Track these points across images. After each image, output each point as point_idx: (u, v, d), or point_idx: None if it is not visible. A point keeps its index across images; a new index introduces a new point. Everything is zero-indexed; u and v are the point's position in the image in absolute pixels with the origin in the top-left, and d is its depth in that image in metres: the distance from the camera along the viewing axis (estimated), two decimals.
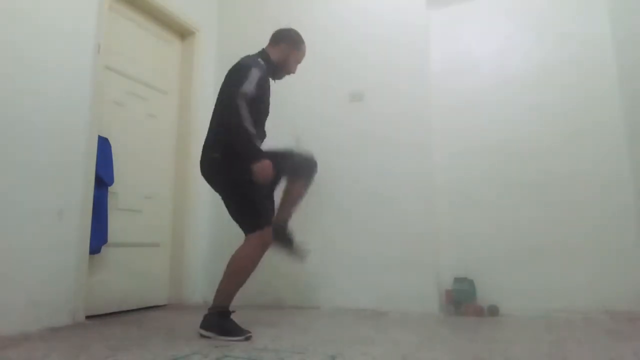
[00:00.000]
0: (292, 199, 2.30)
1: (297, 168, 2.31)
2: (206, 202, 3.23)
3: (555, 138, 2.76)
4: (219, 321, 1.88)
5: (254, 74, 2.01)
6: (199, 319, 1.94)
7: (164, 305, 2.96)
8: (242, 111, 1.91)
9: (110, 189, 2.56)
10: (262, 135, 2.17)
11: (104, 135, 2.54)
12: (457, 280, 2.72)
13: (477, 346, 1.76)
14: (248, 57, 2.16)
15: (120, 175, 2.66)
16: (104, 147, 2.51)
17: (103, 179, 2.47)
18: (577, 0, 2.88)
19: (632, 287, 2.43)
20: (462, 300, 2.65)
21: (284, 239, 2.25)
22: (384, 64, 3.04)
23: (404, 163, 2.88)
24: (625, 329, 2.08)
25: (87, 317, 2.29)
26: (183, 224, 3.10)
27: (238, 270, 1.96)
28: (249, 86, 1.97)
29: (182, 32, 3.31)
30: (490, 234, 2.79)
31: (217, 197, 2.11)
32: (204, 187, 2.82)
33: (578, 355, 1.56)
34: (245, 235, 2.00)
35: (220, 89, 2.12)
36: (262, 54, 2.21)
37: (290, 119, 3.17)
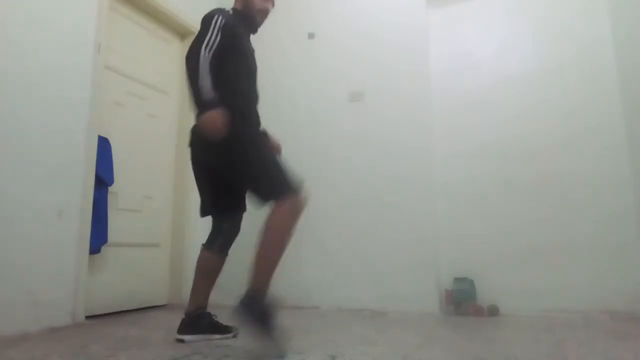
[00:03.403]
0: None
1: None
2: None
3: (555, 138, 2.76)
4: (258, 307, 1.51)
5: (218, 20, 1.80)
6: None
7: (164, 305, 2.97)
8: (202, 62, 1.69)
9: (110, 189, 2.56)
10: (254, 95, 1.94)
11: (104, 135, 2.54)
12: (457, 280, 2.72)
13: (477, 346, 1.76)
14: (214, 8, 1.92)
15: (120, 175, 2.66)
16: (104, 147, 2.51)
17: (103, 179, 2.47)
18: (577, 0, 2.88)
19: (632, 287, 2.43)
20: (462, 300, 2.65)
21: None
22: (384, 64, 3.05)
23: (404, 163, 2.89)
24: (625, 329, 2.08)
25: (87, 317, 2.29)
26: (183, 224, 3.10)
27: (277, 243, 1.58)
28: (214, 33, 1.76)
29: (182, 32, 3.31)
30: (490, 234, 2.79)
31: None
32: None
33: (578, 355, 1.56)
34: (274, 200, 1.61)
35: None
36: (231, 9, 2.01)
37: (290, 119, 3.18)
